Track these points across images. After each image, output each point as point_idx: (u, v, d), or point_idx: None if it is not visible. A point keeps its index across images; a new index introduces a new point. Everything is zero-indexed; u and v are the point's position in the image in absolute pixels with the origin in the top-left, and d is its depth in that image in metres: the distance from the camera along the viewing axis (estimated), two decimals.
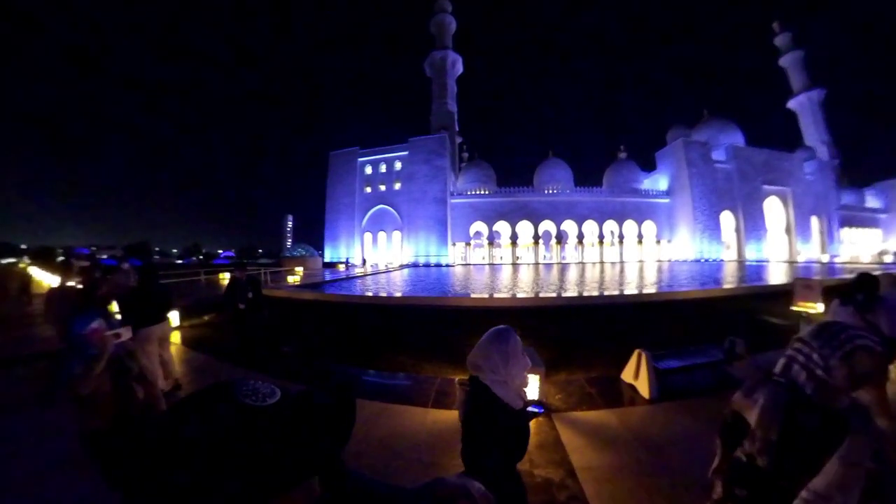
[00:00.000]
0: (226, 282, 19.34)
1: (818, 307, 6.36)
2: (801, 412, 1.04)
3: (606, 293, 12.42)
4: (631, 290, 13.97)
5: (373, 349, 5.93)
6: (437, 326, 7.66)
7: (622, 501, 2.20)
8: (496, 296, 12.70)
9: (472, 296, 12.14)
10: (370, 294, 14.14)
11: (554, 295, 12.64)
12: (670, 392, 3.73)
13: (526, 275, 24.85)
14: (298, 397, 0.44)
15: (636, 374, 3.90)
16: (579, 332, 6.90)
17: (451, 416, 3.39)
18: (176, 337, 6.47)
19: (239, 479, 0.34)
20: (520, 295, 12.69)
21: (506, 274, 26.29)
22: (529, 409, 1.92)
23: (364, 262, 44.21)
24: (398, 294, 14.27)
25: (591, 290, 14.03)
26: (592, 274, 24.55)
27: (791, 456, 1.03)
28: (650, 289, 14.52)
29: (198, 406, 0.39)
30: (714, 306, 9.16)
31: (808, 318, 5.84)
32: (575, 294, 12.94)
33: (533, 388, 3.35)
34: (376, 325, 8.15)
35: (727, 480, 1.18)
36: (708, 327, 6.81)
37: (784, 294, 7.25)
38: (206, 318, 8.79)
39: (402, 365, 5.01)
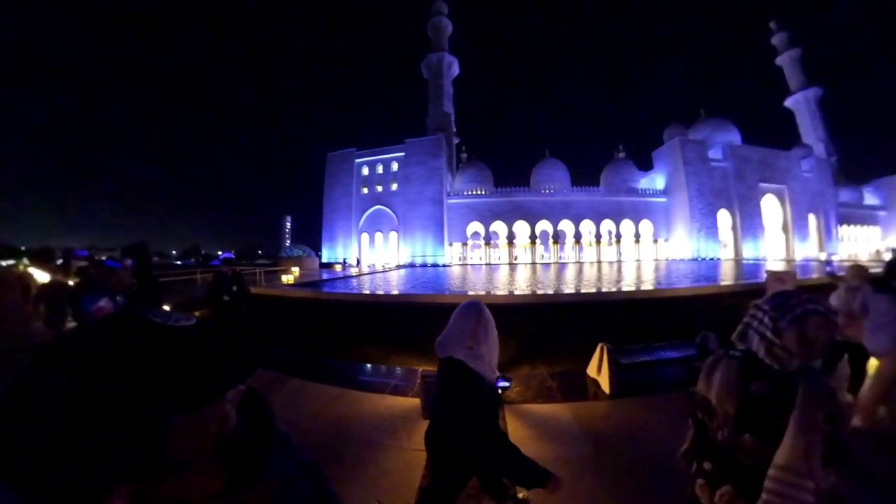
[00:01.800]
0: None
1: None
2: (753, 380, 1.05)
3: (590, 291, 12.38)
4: (616, 287, 13.91)
5: (347, 341, 6.22)
6: (410, 322, 7.88)
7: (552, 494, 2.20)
8: (473, 293, 12.69)
9: (455, 293, 12.16)
10: (354, 292, 14.13)
11: (532, 292, 12.65)
12: (635, 387, 3.69)
13: (518, 274, 24.86)
14: (214, 325, 0.43)
15: (599, 369, 3.87)
16: (557, 328, 6.92)
17: (405, 402, 3.53)
18: None
19: (145, 394, 0.32)
20: (501, 293, 12.77)
21: (499, 274, 26.30)
22: (498, 382, 1.96)
23: (358, 262, 44.30)
24: (380, 292, 14.49)
25: (575, 288, 14.03)
26: (584, 273, 24.54)
27: (748, 427, 1.03)
28: (636, 286, 14.48)
29: (104, 326, 0.38)
30: (697, 303, 9.18)
31: None
32: (556, 291, 12.89)
33: None
34: (356, 319, 8.39)
35: (699, 456, 1.21)
36: (687, 323, 6.83)
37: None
38: (196, 313, 8.91)
39: (371, 356, 5.22)
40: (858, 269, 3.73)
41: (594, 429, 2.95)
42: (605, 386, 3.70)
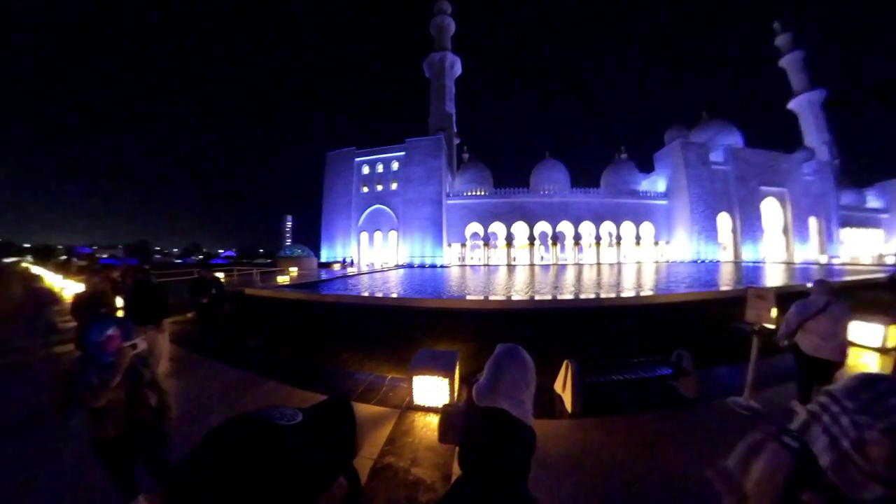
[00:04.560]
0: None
1: (772, 316, 6.26)
2: (806, 489, 0.81)
3: (577, 296, 12.36)
4: (606, 294, 13.85)
5: (327, 344, 6.37)
6: (391, 326, 7.94)
7: None
8: (458, 298, 12.67)
9: (433, 298, 12.17)
10: (341, 294, 14.15)
11: (522, 298, 12.64)
12: (600, 407, 3.58)
13: (513, 277, 24.82)
14: (316, 415, 0.62)
15: (564, 386, 3.80)
16: (537, 336, 6.90)
17: (368, 409, 3.62)
18: None
19: (288, 488, 0.44)
20: (490, 297, 12.76)
21: (494, 276, 26.26)
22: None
23: (351, 262, 44.52)
24: (379, 294, 14.60)
25: (566, 293, 14.04)
26: (576, 276, 24.48)
27: None
28: (627, 293, 14.40)
29: (241, 431, 0.48)
30: (681, 311, 9.15)
31: (759, 330, 5.82)
32: (538, 297, 12.85)
33: (443, 392, 3.41)
34: (340, 322, 8.48)
35: None
36: (668, 335, 6.80)
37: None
38: (189, 315, 9.07)
39: (347, 360, 5.34)
40: (824, 284, 3.76)
41: (543, 450, 2.88)
42: (568, 404, 3.63)
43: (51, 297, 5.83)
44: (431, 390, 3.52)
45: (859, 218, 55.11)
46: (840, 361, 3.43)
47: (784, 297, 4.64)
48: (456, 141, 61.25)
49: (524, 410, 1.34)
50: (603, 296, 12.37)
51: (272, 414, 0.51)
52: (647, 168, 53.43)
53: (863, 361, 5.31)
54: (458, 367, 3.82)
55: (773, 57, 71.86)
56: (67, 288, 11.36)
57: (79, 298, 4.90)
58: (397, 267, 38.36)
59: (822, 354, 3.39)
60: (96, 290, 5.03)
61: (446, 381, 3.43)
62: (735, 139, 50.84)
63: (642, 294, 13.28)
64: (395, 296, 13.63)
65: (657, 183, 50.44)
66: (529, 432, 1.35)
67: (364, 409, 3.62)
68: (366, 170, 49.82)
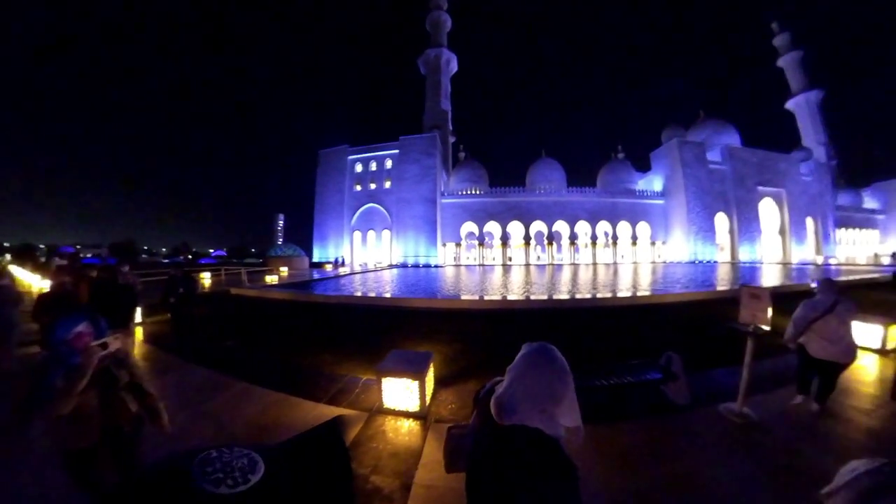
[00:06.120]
0: (204, 280, 19.32)
1: (768, 316, 6.04)
2: None
3: (567, 297, 12.11)
4: (598, 294, 13.61)
5: (307, 345, 6.20)
6: (375, 327, 7.73)
7: None
8: (446, 298, 12.42)
9: (420, 298, 11.91)
10: (328, 294, 13.87)
11: (506, 298, 12.40)
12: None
13: (506, 276, 24.63)
14: (289, 463, 0.35)
15: None
16: (523, 338, 6.66)
17: (337, 412, 3.46)
18: (139, 333, 6.87)
19: None
20: (469, 297, 12.58)
21: (487, 275, 26.06)
22: None
23: (343, 261, 44.12)
24: (358, 294, 14.51)
25: (559, 294, 13.80)
26: (569, 276, 24.31)
27: None
28: (620, 293, 14.16)
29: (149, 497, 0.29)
30: (674, 312, 8.93)
31: (754, 331, 5.53)
32: (529, 297, 12.58)
33: (413, 396, 3.15)
34: (323, 322, 8.26)
35: None
36: (658, 336, 6.55)
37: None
38: (168, 315, 8.91)
39: (323, 361, 5.16)
40: (830, 283, 3.59)
41: None
42: None
43: (14, 296, 5.50)
44: (401, 393, 3.26)
45: (855, 218, 55.42)
46: (849, 363, 3.30)
47: (780, 296, 4.41)
48: (451, 139, 60.88)
49: (558, 427, 1.05)
50: (598, 296, 12.17)
51: (208, 469, 0.30)
52: (643, 167, 53.31)
53: (862, 363, 5.08)
54: (431, 368, 3.56)
55: (772, 56, 72.12)
56: (47, 288, 11.10)
57: (43, 299, 4.58)
58: (390, 267, 38.06)
59: (832, 357, 3.23)
60: (64, 290, 4.71)
61: (416, 383, 3.17)
62: (732, 138, 50.77)
63: (637, 294, 13.08)
64: (388, 296, 13.37)
65: (654, 182, 50.28)
66: (565, 454, 1.03)
67: (333, 412, 3.42)
68: (359, 168, 49.37)
